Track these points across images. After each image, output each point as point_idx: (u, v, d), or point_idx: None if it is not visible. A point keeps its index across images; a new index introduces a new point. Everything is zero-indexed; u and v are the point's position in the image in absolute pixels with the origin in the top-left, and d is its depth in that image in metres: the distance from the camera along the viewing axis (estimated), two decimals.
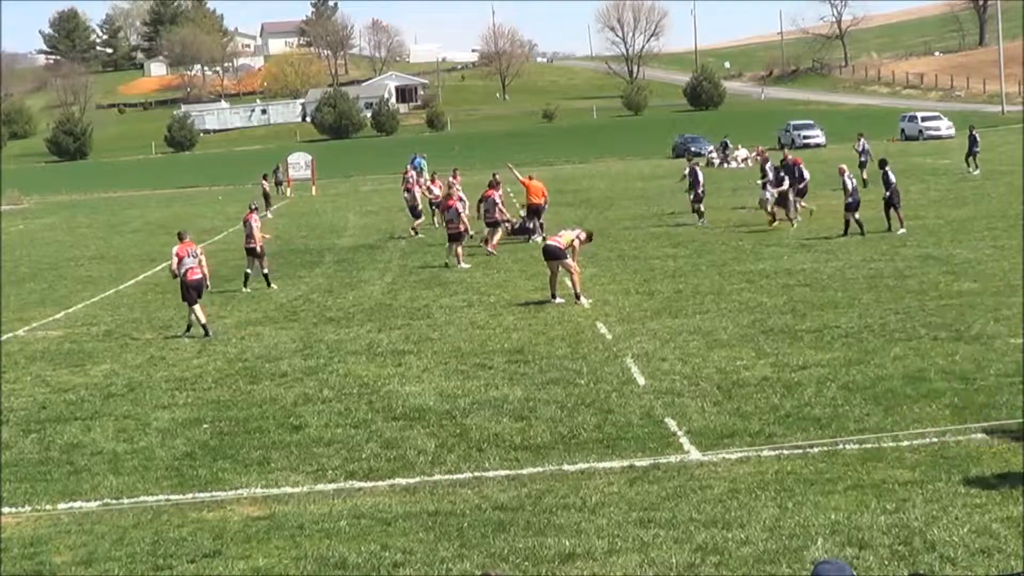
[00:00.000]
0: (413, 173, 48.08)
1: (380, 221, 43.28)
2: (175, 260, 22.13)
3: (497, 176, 35.54)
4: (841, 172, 30.14)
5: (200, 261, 22.23)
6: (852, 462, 11.82)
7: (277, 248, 36.03)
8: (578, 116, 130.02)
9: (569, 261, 22.86)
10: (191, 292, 21.86)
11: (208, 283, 23.43)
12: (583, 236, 23.39)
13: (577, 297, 22.86)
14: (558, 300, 22.84)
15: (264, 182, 55.27)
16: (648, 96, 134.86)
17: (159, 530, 11.20)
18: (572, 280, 23.11)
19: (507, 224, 33.72)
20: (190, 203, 66.56)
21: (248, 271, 27.98)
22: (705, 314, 20.55)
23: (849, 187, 29.34)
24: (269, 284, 27.75)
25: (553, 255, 22.91)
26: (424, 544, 10.39)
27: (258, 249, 27.56)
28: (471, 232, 31.72)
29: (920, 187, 41.27)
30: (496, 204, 32.25)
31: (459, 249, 29.70)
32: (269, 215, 49.65)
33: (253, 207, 28.86)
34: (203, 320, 21.89)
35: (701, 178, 35.27)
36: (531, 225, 34.49)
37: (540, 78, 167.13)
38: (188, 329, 22.11)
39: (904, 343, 17.04)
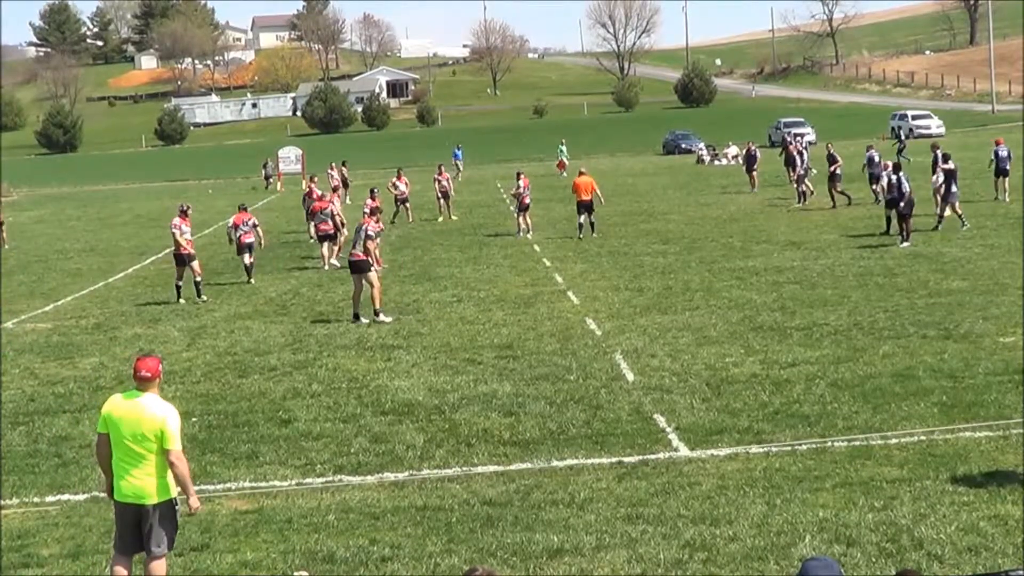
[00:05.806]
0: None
1: None
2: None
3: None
4: (887, 167, 29.26)
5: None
6: (840, 459, 11.85)
7: (268, 242, 35.90)
8: (569, 112, 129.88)
9: (372, 275, 21.22)
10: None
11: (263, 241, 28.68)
12: (372, 228, 21.57)
13: (377, 314, 21.28)
14: (364, 320, 21.34)
15: (343, 168, 55.27)
16: (639, 93, 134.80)
17: None
18: (373, 294, 21.32)
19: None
20: (180, 196, 66.18)
21: (179, 283, 25.39)
22: (695, 311, 20.57)
23: (906, 188, 27.51)
24: (200, 294, 25.32)
25: (359, 268, 21.27)
26: (412, 539, 10.40)
27: (187, 256, 25.14)
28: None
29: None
30: (333, 215, 29.70)
31: (328, 249, 28.73)
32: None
33: (184, 208, 25.88)
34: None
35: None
36: (581, 220, 33.50)
37: (531, 74, 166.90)
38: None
39: (893, 341, 17.08)
